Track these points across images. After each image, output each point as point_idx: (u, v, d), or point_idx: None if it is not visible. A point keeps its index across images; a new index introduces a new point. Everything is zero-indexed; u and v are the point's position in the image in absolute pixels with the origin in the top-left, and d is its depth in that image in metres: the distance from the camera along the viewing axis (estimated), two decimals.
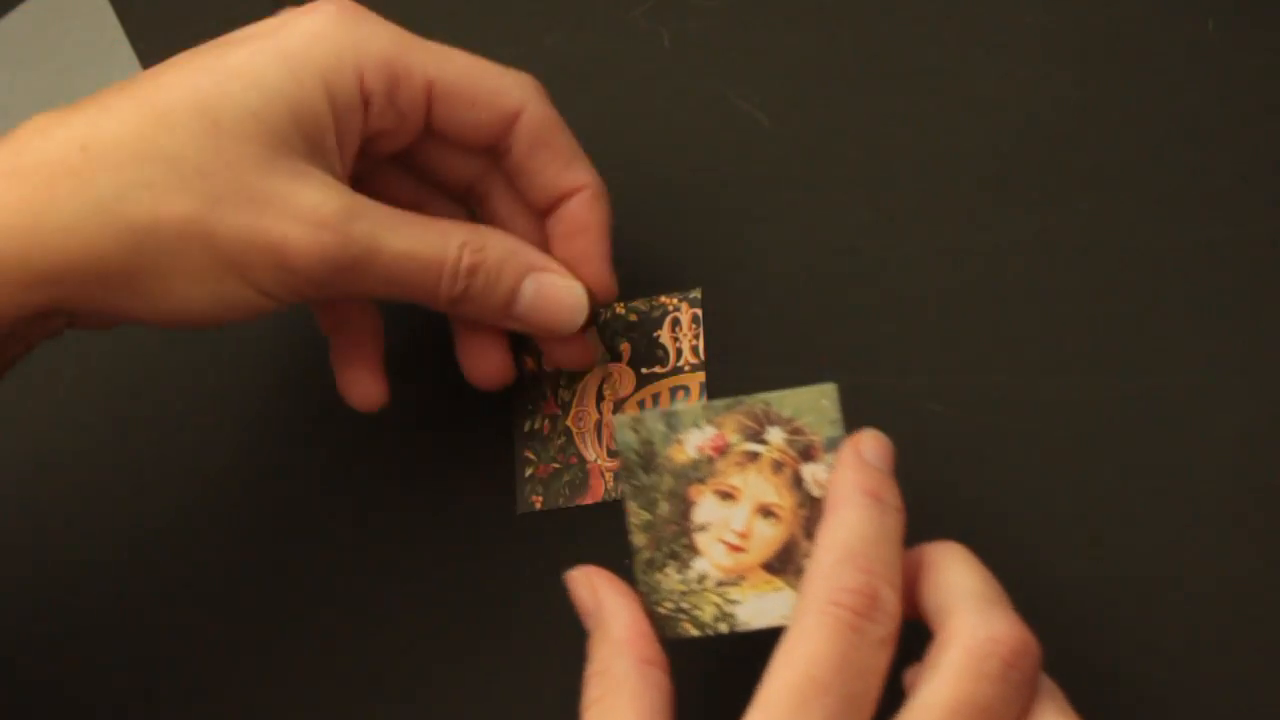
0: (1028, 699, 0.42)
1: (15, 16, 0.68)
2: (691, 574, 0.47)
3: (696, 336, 0.56)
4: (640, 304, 0.57)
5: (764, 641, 0.43)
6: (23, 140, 0.47)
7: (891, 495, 0.45)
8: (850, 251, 0.55)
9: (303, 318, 0.56)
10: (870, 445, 0.45)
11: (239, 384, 0.60)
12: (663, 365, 0.56)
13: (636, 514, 0.48)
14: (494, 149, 0.52)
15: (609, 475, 0.55)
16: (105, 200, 0.46)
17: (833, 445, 0.46)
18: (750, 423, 0.47)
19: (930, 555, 0.44)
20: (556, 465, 0.56)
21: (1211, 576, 0.49)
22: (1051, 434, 0.51)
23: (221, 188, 0.47)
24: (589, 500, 0.55)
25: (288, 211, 0.47)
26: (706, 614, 0.47)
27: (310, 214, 0.47)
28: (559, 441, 0.56)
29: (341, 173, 0.50)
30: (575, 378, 0.56)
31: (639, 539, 0.48)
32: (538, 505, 0.55)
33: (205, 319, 0.49)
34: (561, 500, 0.55)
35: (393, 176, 0.54)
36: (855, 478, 0.45)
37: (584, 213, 0.52)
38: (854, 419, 0.46)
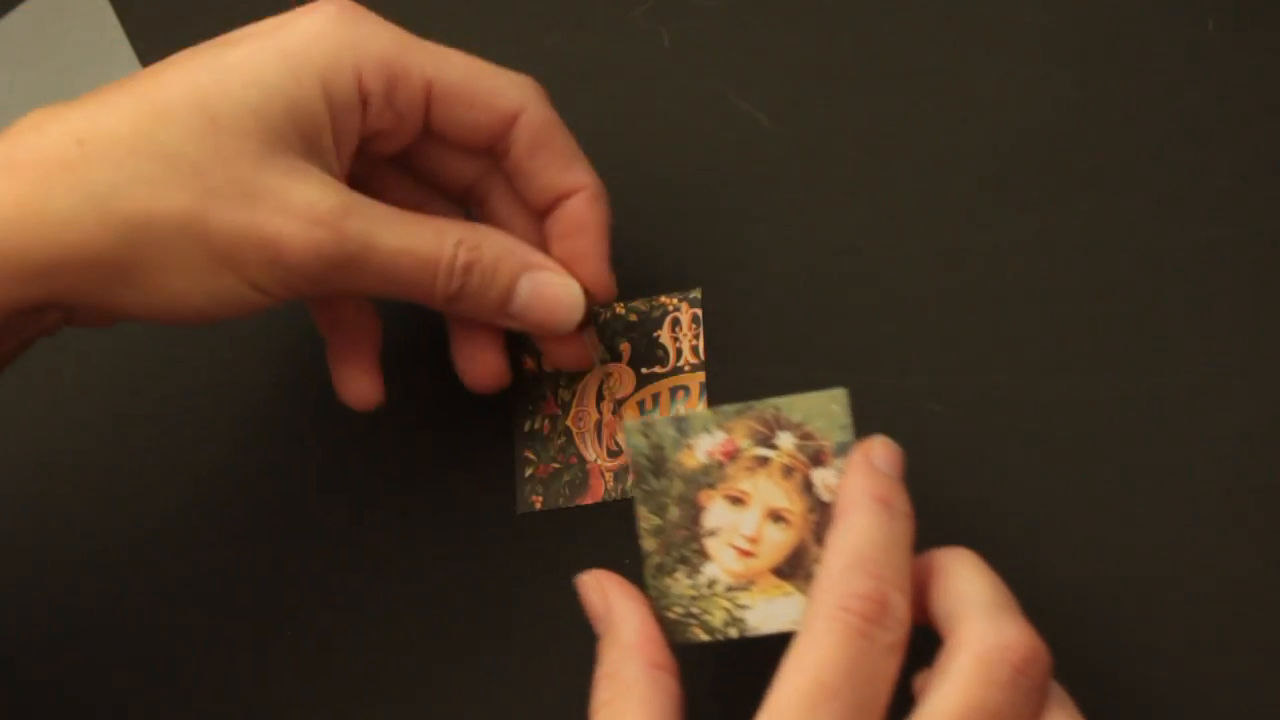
0: (1038, 705, 0.42)
1: (15, 16, 0.68)
2: (701, 579, 0.47)
3: (696, 336, 0.56)
4: (640, 304, 0.57)
5: (773, 646, 0.43)
6: (20, 135, 0.48)
7: (901, 501, 0.45)
8: (850, 251, 0.55)
9: (303, 317, 0.56)
10: (880, 451, 0.46)
11: (239, 384, 0.60)
12: (663, 365, 0.56)
13: (646, 519, 0.48)
14: (493, 150, 0.52)
15: (609, 475, 0.55)
16: (100, 194, 0.46)
17: (843, 450, 0.46)
18: (760, 428, 0.47)
19: (940, 561, 0.44)
20: (556, 465, 0.56)
21: (1211, 576, 0.49)
22: (1051, 434, 0.51)
23: (217, 183, 0.47)
24: (589, 500, 0.55)
25: (283, 208, 0.47)
26: (716, 619, 0.47)
27: (305, 210, 0.47)
28: (559, 441, 0.56)
29: (339, 171, 0.50)
30: (575, 378, 0.56)
31: (649, 544, 0.48)
32: (538, 505, 0.55)
33: (200, 314, 0.49)
34: (561, 500, 0.55)
35: (393, 178, 0.54)
36: (865, 483, 0.45)
37: (582, 213, 0.52)
38: (854, 419, 0.46)
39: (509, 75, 0.51)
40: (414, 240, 0.49)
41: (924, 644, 0.43)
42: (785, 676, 0.42)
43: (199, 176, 0.47)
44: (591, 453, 0.55)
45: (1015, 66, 0.56)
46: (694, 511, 0.47)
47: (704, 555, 0.47)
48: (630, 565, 0.52)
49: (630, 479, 0.55)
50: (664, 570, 0.47)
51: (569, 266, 0.52)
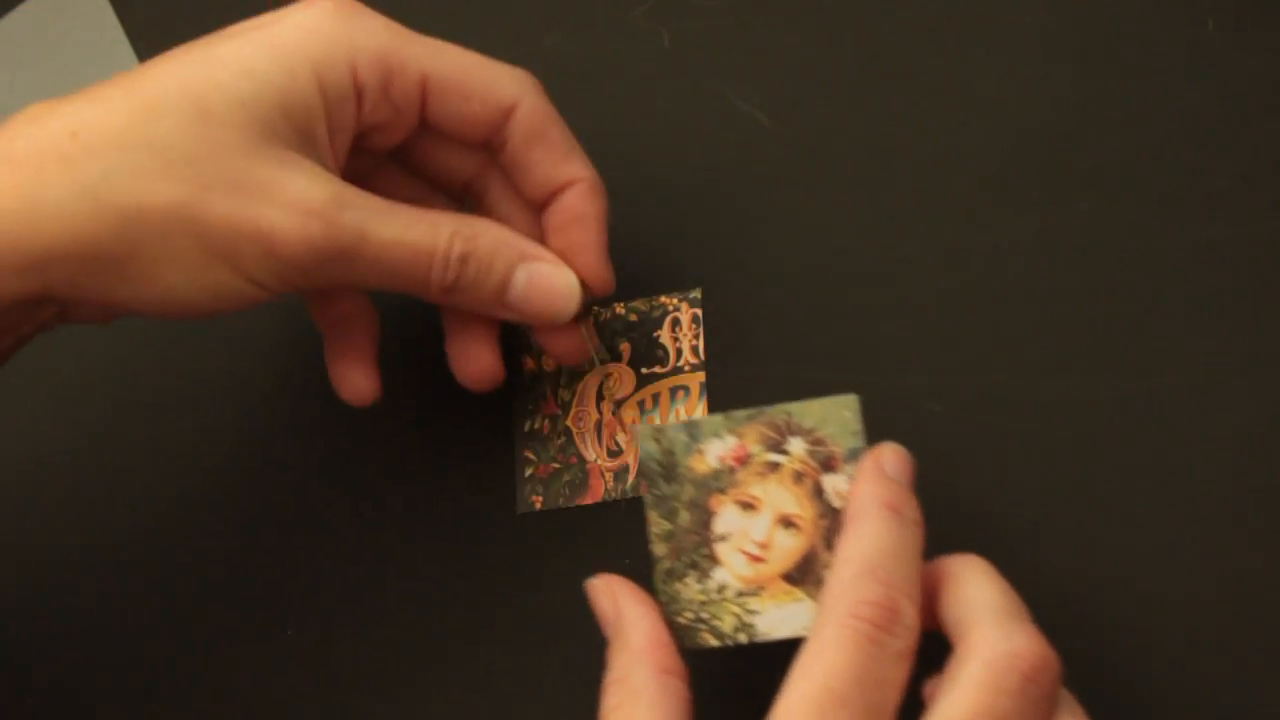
0: (1047, 714, 0.42)
1: (15, 16, 0.68)
2: (711, 584, 0.47)
3: (696, 336, 0.56)
4: (640, 304, 0.57)
5: (783, 652, 0.43)
6: (15, 128, 0.48)
7: (911, 509, 0.45)
8: (850, 251, 0.55)
9: (302, 314, 0.56)
10: (891, 459, 0.46)
11: (239, 383, 0.60)
12: (663, 365, 0.56)
13: (657, 523, 0.48)
14: (490, 143, 0.52)
15: (609, 475, 0.55)
16: (93, 186, 0.47)
17: (854, 456, 0.46)
18: (772, 433, 0.47)
19: (951, 568, 0.45)
20: (556, 465, 0.56)
21: (1211, 576, 0.49)
22: (1051, 434, 0.51)
23: (209, 175, 0.47)
24: (589, 500, 0.55)
25: (275, 199, 0.47)
26: (726, 624, 0.47)
27: (298, 202, 0.47)
28: (559, 441, 0.56)
29: (333, 165, 0.50)
30: (575, 378, 0.56)
31: (659, 548, 0.48)
32: (538, 505, 0.55)
33: (195, 308, 0.49)
34: (561, 500, 0.55)
35: (392, 175, 0.54)
36: (875, 490, 0.45)
37: (579, 205, 0.52)
38: (865, 425, 0.46)
39: (505, 68, 0.51)
40: (409, 231, 0.49)
41: (934, 650, 0.43)
42: (794, 683, 0.42)
43: (191, 168, 0.47)
44: (591, 453, 0.55)
45: (1015, 66, 0.56)
46: (705, 516, 0.47)
47: (714, 560, 0.47)
48: (630, 565, 0.52)
49: (630, 478, 0.55)
50: (674, 575, 0.47)
51: (566, 259, 0.52)
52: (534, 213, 0.53)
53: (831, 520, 0.46)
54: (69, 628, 0.59)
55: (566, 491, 0.55)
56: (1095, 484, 0.50)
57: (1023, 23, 0.56)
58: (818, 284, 0.55)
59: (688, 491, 0.47)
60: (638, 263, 0.57)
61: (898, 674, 0.42)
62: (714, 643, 0.47)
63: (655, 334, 0.56)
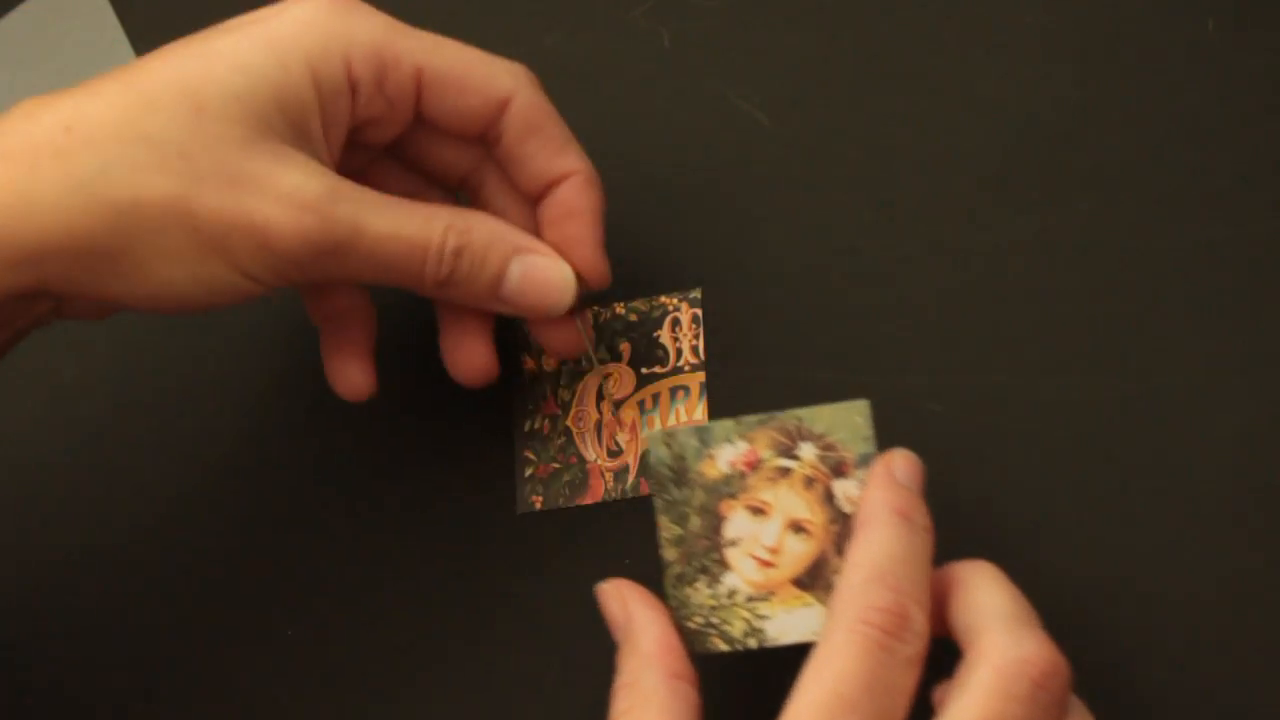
0: None
1: (15, 16, 0.68)
2: (721, 589, 0.47)
3: (696, 336, 0.56)
4: (640, 304, 0.57)
5: (793, 656, 0.43)
6: (10, 123, 0.48)
7: (921, 515, 0.45)
8: (850, 251, 0.55)
9: (307, 317, 0.56)
10: (901, 464, 0.46)
11: (239, 384, 0.60)
12: (663, 365, 0.56)
13: (668, 528, 0.48)
14: (485, 137, 0.52)
15: (609, 475, 0.55)
16: (87, 179, 0.47)
17: (865, 462, 0.46)
18: (782, 438, 0.47)
19: (961, 574, 0.45)
20: (556, 465, 0.56)
21: (1211, 576, 0.49)
22: (1051, 434, 0.51)
23: (203, 169, 0.47)
24: (589, 500, 0.55)
25: (269, 193, 0.47)
26: (736, 629, 0.47)
27: (292, 195, 0.47)
28: (559, 441, 0.56)
29: (328, 159, 0.50)
30: (575, 378, 0.56)
31: (670, 553, 0.48)
32: (538, 505, 0.55)
33: (190, 302, 0.49)
34: (561, 500, 0.55)
35: (388, 170, 0.54)
36: (885, 496, 0.45)
37: (574, 198, 0.52)
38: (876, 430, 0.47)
39: (500, 62, 0.51)
40: (403, 225, 0.49)
41: (944, 656, 0.43)
42: (804, 688, 0.42)
43: (185, 162, 0.47)
44: (591, 453, 0.55)
45: (1015, 66, 0.56)
46: (715, 521, 0.47)
47: (724, 565, 0.47)
48: (631, 565, 0.52)
49: (630, 478, 0.55)
50: (684, 580, 0.47)
51: (562, 252, 0.52)
52: (530, 206, 0.53)
53: (842, 525, 0.46)
54: (69, 628, 0.59)
55: (566, 491, 0.55)
56: (1095, 484, 0.50)
57: (1023, 23, 0.56)
58: (818, 284, 0.55)
59: (698, 496, 0.47)
60: (638, 263, 0.57)
61: (907, 680, 0.42)
62: (724, 647, 0.47)
63: (655, 334, 0.56)
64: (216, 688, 0.57)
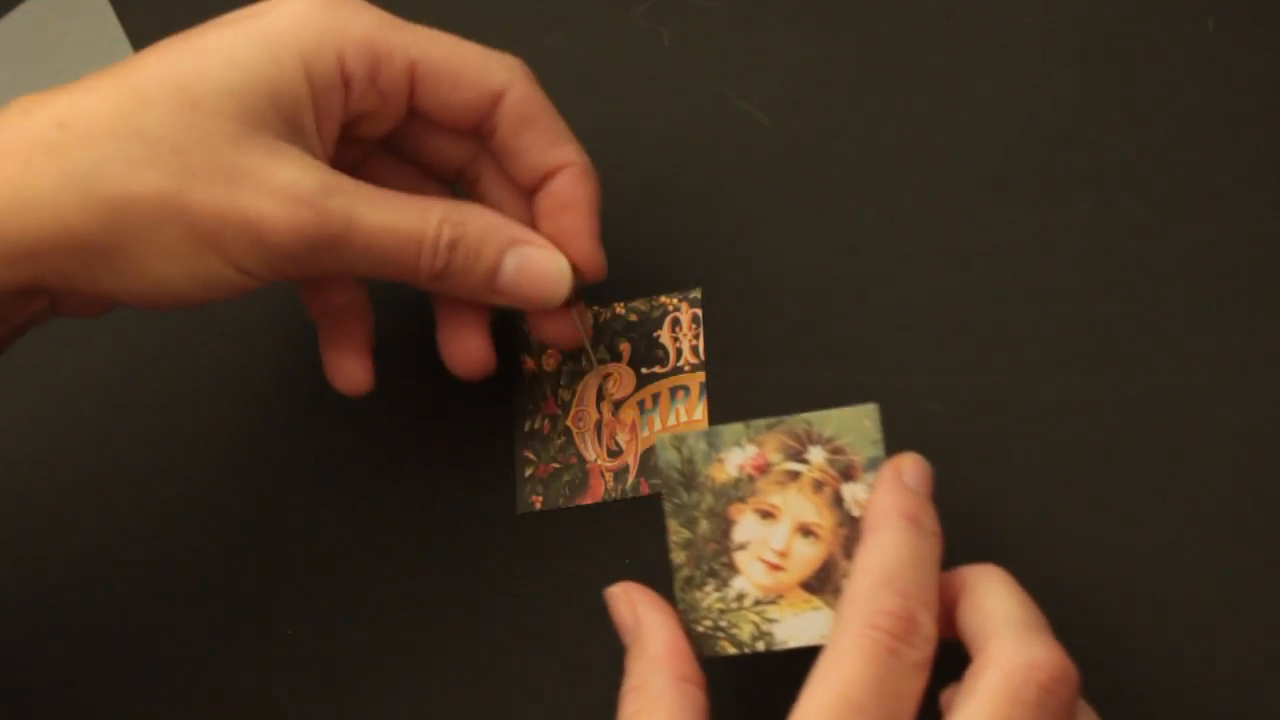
0: None
1: (15, 16, 0.68)
2: (730, 593, 0.47)
3: (696, 336, 0.56)
4: (640, 304, 0.57)
5: (800, 660, 0.43)
6: (5, 120, 0.48)
7: (930, 519, 0.45)
8: (850, 251, 0.55)
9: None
10: (910, 468, 0.46)
11: (239, 385, 0.60)
12: (663, 365, 0.56)
13: (677, 532, 0.48)
14: (480, 130, 0.52)
15: (609, 475, 0.55)
16: (81, 176, 0.47)
17: (873, 465, 0.46)
18: (792, 442, 0.47)
19: (970, 578, 0.45)
20: (556, 465, 0.56)
21: (1211, 576, 0.49)
22: (1051, 434, 0.51)
23: (197, 164, 0.47)
24: (589, 500, 0.55)
25: (263, 187, 0.47)
26: (744, 632, 0.47)
27: (286, 190, 0.48)
28: (559, 441, 0.56)
29: (322, 153, 0.50)
30: (575, 378, 0.56)
31: (679, 557, 0.48)
32: (538, 505, 0.55)
33: (185, 297, 0.49)
34: (561, 500, 0.55)
35: (385, 164, 0.54)
36: (894, 500, 0.45)
37: (569, 189, 0.52)
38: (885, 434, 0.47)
39: (494, 55, 0.51)
40: (397, 217, 0.49)
41: (952, 660, 0.43)
42: (811, 691, 0.42)
43: (179, 157, 0.47)
44: (591, 453, 0.55)
45: (1015, 66, 0.56)
46: (724, 525, 0.47)
47: (733, 569, 0.47)
48: (631, 566, 0.52)
49: (630, 478, 0.55)
50: (693, 583, 0.47)
51: (558, 244, 0.52)
52: (526, 199, 0.53)
53: (851, 529, 0.46)
54: (68, 627, 0.59)
55: (566, 491, 0.55)
56: (1095, 484, 0.50)
57: (1023, 23, 0.56)
58: (818, 284, 0.55)
59: (707, 500, 0.47)
60: (638, 263, 0.57)
61: (914, 684, 0.42)
62: (732, 651, 0.47)
63: (655, 334, 0.56)
64: (216, 688, 0.57)
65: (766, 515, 0.47)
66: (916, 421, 0.52)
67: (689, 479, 0.48)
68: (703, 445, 0.48)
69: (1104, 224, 0.53)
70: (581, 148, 0.52)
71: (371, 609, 0.56)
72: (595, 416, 0.56)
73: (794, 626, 0.46)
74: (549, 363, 0.57)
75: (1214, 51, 0.54)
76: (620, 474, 0.55)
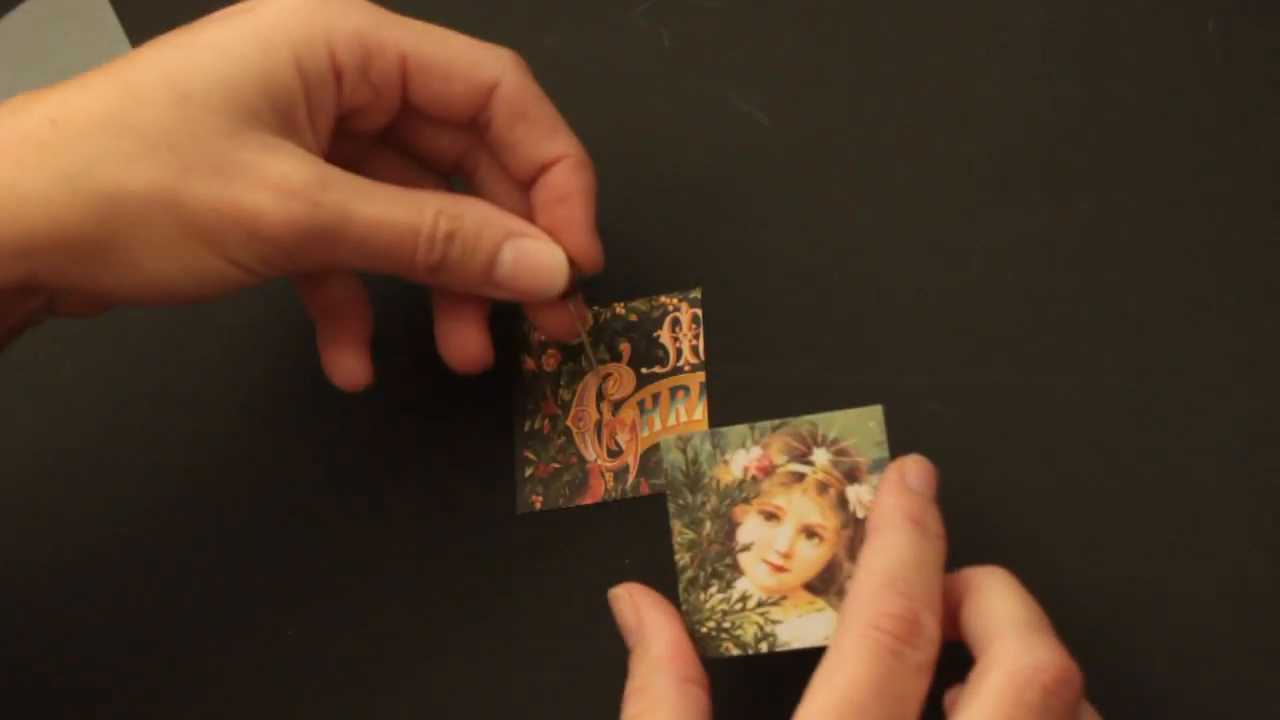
0: None
1: (15, 16, 0.68)
2: (734, 594, 0.47)
3: (696, 336, 0.56)
4: (640, 304, 0.57)
5: (804, 661, 0.43)
6: (0, 118, 0.48)
7: (933, 521, 0.45)
8: (850, 251, 0.55)
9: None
10: (914, 470, 0.46)
11: (239, 385, 0.60)
12: (663, 365, 0.56)
13: (681, 533, 0.48)
14: (474, 123, 0.52)
15: (609, 475, 0.55)
16: (74, 172, 0.47)
17: (878, 467, 0.46)
18: (796, 444, 0.47)
19: (973, 579, 0.45)
20: (556, 465, 0.56)
21: (1211, 576, 0.49)
22: (1051, 434, 0.51)
23: (190, 158, 0.47)
24: (589, 500, 0.55)
25: (257, 181, 0.47)
26: (748, 634, 0.47)
27: (280, 183, 0.47)
28: (559, 441, 0.56)
29: (316, 147, 0.50)
30: (575, 378, 0.56)
31: (683, 558, 0.48)
32: (538, 505, 0.55)
33: (181, 293, 0.49)
34: (561, 500, 0.55)
35: (383, 158, 0.54)
36: (898, 502, 0.45)
37: (565, 181, 0.52)
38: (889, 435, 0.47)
39: (486, 48, 0.51)
40: (393, 210, 0.49)
41: (956, 662, 0.43)
42: (814, 693, 0.42)
43: (172, 152, 0.47)
44: (591, 453, 0.55)
45: (1015, 66, 0.56)
46: (728, 526, 0.47)
47: (737, 570, 0.47)
48: (631, 566, 0.52)
49: (630, 478, 0.55)
50: (697, 584, 0.47)
51: (555, 236, 0.52)
52: (523, 191, 0.53)
53: (855, 530, 0.46)
54: (68, 627, 0.59)
55: (566, 491, 0.55)
56: (1095, 484, 0.50)
57: (1023, 23, 0.56)
58: (818, 284, 0.55)
59: (712, 501, 0.48)
60: (638, 263, 0.57)
61: (918, 686, 0.42)
62: (735, 652, 0.47)
63: (655, 334, 0.56)
64: (217, 688, 0.57)
65: (771, 517, 0.47)
66: (917, 421, 0.52)
67: (694, 480, 0.48)
68: (707, 447, 0.48)
69: (1104, 224, 0.53)
70: (577, 139, 0.52)
71: (371, 609, 0.56)
72: (595, 416, 0.56)
73: (797, 628, 0.46)
74: (549, 363, 0.57)
75: (1214, 51, 0.54)
76: (620, 474, 0.55)
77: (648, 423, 0.55)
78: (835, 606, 0.46)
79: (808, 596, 0.46)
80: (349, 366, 0.53)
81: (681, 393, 0.55)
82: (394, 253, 0.50)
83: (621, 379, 0.56)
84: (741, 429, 0.48)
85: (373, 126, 0.52)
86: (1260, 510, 0.49)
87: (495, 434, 0.57)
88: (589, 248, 0.52)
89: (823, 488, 0.47)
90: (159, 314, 0.60)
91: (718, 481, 0.48)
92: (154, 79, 0.48)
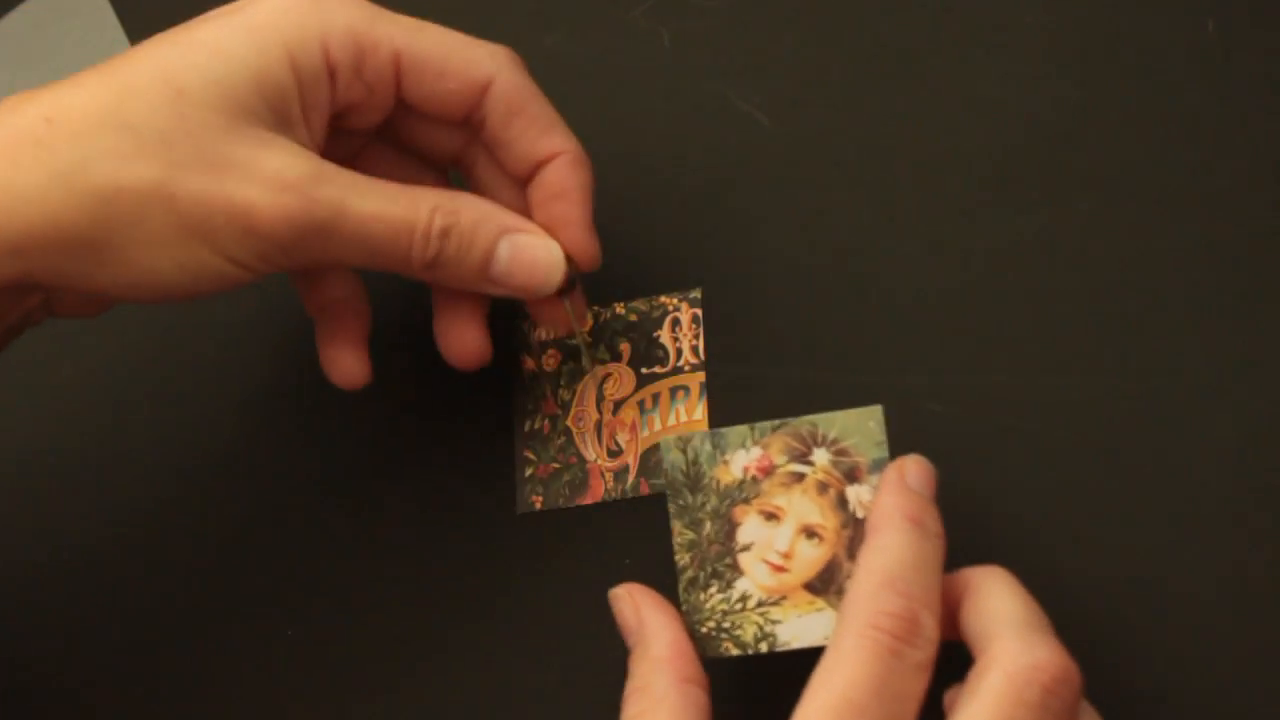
0: None
1: (15, 16, 0.68)
2: (734, 594, 0.47)
3: (696, 336, 0.56)
4: (640, 304, 0.57)
5: (803, 661, 0.43)
6: None
7: (933, 521, 0.45)
8: (850, 251, 0.55)
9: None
10: (914, 470, 0.46)
11: (238, 386, 0.60)
12: (663, 365, 0.56)
13: (681, 534, 0.48)
14: (470, 120, 0.52)
15: (609, 475, 0.55)
16: (68, 169, 0.47)
17: (878, 467, 0.46)
18: (796, 444, 0.47)
19: (973, 579, 0.45)
20: (556, 465, 0.56)
21: (1211, 576, 0.49)
22: (1051, 434, 0.51)
23: (184, 154, 0.47)
24: (589, 500, 0.55)
25: (252, 177, 0.47)
26: (748, 634, 0.47)
27: (274, 178, 0.48)
28: (559, 441, 0.56)
29: (310, 144, 0.50)
30: (575, 378, 0.56)
31: (683, 558, 0.48)
32: (538, 505, 0.55)
33: (177, 290, 0.49)
34: (561, 500, 0.55)
35: (381, 155, 0.54)
36: (898, 502, 0.45)
37: (561, 177, 0.52)
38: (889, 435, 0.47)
39: (481, 45, 0.51)
40: (388, 206, 0.49)
41: (955, 661, 0.43)
42: (813, 692, 0.42)
43: (166, 148, 0.47)
44: (591, 453, 0.55)
45: (1015, 66, 0.56)
46: (728, 527, 0.47)
47: (737, 570, 0.47)
48: (630, 566, 0.52)
49: (630, 478, 0.55)
50: (697, 585, 0.47)
51: (552, 232, 0.52)
52: (520, 188, 0.53)
53: (854, 530, 0.46)
54: (68, 627, 0.59)
55: (566, 491, 0.55)
56: (1095, 484, 0.50)
57: (1023, 23, 0.56)
58: (818, 284, 0.55)
59: (712, 502, 0.48)
60: (638, 263, 0.57)
61: (916, 685, 0.42)
62: (735, 652, 0.47)
63: (655, 334, 0.56)
64: (217, 688, 0.57)
65: (771, 517, 0.47)
66: (917, 421, 0.52)
67: (694, 480, 0.48)
68: (708, 447, 0.48)
69: (1104, 224, 0.53)
70: (574, 136, 0.52)
71: (371, 609, 0.56)
72: (595, 416, 0.56)
73: (797, 628, 0.46)
74: (549, 363, 0.57)
75: (1214, 51, 0.54)
76: (620, 474, 0.55)
77: (648, 423, 0.55)
78: (835, 606, 0.46)
79: (808, 596, 0.46)
80: (347, 365, 0.53)
81: (681, 393, 0.55)
82: (389, 248, 0.50)
83: (621, 379, 0.56)
84: (741, 429, 0.48)
85: (368, 123, 0.52)
86: (1260, 510, 0.49)
87: (495, 434, 0.57)
88: (586, 244, 0.52)
89: (823, 488, 0.47)
90: (158, 314, 0.60)
91: (718, 482, 0.48)
92: (149, 77, 0.48)
